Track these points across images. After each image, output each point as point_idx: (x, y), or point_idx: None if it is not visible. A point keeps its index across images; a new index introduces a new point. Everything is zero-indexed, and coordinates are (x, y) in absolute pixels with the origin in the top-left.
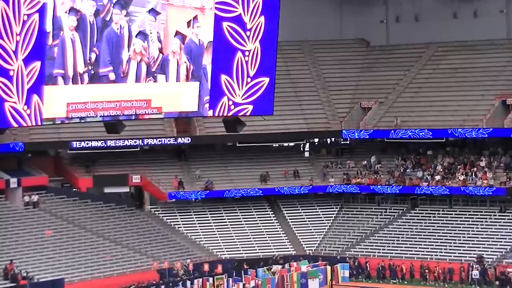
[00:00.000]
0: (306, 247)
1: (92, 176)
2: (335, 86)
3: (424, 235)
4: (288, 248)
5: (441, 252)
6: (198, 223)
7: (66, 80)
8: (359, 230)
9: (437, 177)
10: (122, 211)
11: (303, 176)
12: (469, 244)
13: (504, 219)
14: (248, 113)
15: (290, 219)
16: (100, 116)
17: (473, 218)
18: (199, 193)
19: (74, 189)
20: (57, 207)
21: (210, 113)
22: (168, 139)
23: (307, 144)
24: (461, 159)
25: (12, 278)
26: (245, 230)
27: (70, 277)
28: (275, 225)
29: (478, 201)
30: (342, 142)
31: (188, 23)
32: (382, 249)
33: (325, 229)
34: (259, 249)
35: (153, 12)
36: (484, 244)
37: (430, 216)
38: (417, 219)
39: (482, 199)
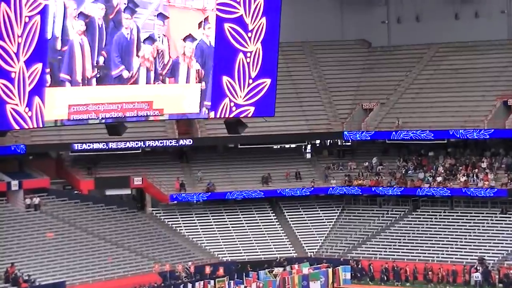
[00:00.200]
0: (308, 249)
1: (93, 178)
2: (337, 87)
3: (425, 236)
4: (290, 250)
5: (443, 254)
6: (200, 225)
7: (74, 84)
8: (360, 232)
9: (439, 179)
10: (123, 213)
11: (305, 178)
12: (470, 245)
13: (506, 220)
14: (249, 115)
15: (291, 221)
16: (102, 118)
17: (474, 219)
18: (201, 195)
19: (76, 192)
20: (58, 209)
21: (212, 114)
22: (169, 140)
23: (309, 146)
24: (463, 160)
25: (13, 281)
26: (247, 232)
27: (72, 280)
28: (277, 227)
29: (479, 203)
30: (343, 144)
31: (200, 24)
32: (384, 251)
33: (326, 231)
34: (260, 251)
35: (161, 16)
36: (486, 246)
37: (431, 218)
38: (419, 221)
39: (483, 201)
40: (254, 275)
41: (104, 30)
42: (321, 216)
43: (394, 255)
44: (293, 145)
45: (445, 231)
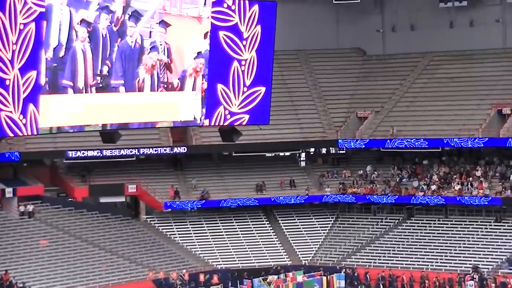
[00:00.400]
0: (302, 257)
1: (88, 185)
2: (331, 95)
3: (420, 245)
4: (284, 258)
5: (437, 262)
6: (194, 233)
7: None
8: (355, 240)
9: (433, 187)
10: (117, 220)
11: (299, 186)
12: (465, 254)
13: (500, 229)
14: (244, 123)
15: (286, 229)
16: (96, 126)
17: (468, 228)
18: (195, 202)
19: (70, 199)
20: (52, 217)
21: (206, 122)
22: (164, 148)
23: (303, 154)
24: (457, 168)
25: None
26: (241, 240)
27: (65, 287)
28: (271, 235)
29: (473, 211)
30: (338, 152)
31: (205, 34)
32: (378, 259)
33: (321, 239)
34: (255, 259)
35: (163, 24)
36: (480, 254)
37: (426, 226)
38: (413, 229)
39: (477, 209)
40: (249, 283)
41: (108, 39)
42: (315, 224)
43: (388, 263)
44: (287, 153)
45: (440, 239)
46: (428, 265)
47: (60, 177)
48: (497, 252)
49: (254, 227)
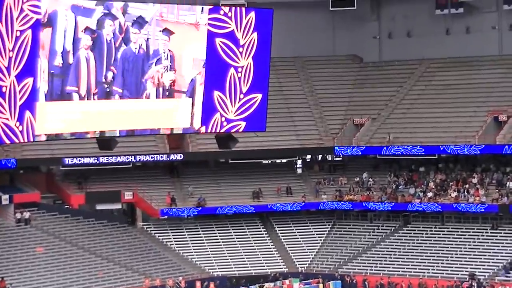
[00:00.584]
0: (299, 264)
1: (84, 192)
2: (328, 102)
3: (416, 252)
4: (281, 265)
5: (434, 269)
6: (191, 240)
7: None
8: (351, 247)
9: (429, 194)
10: (114, 228)
11: (296, 193)
12: (461, 261)
13: (496, 236)
14: (240, 130)
15: (282, 236)
16: (92, 132)
17: (465, 235)
18: (192, 209)
19: (66, 206)
20: (49, 224)
21: (203, 129)
22: (160, 155)
23: (299, 161)
24: (453, 175)
25: None
26: (237, 247)
27: None
28: (268, 242)
29: (470, 218)
30: (334, 159)
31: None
32: (375, 266)
33: (317, 246)
34: (251, 266)
35: (167, 31)
36: (476, 261)
37: (422, 233)
38: (410, 236)
39: (474, 216)
40: None
41: (113, 45)
42: (312, 231)
43: (384, 270)
44: (284, 160)
45: (436, 247)
46: (424, 272)
47: (56, 184)
48: (493, 259)
49: (250, 234)
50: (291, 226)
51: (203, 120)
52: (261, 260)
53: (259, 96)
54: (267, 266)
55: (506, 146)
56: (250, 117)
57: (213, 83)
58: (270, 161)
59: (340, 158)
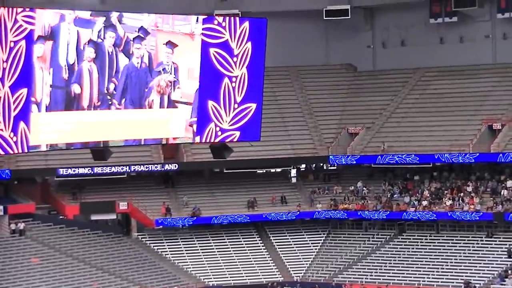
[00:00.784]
0: (294, 273)
1: (79, 203)
2: (322, 111)
3: (411, 260)
4: (276, 274)
5: (429, 278)
6: (186, 250)
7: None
8: (346, 256)
9: (424, 202)
10: (109, 238)
11: (290, 202)
12: (456, 269)
13: (491, 244)
14: (235, 139)
15: (277, 245)
16: (87, 143)
17: (460, 243)
18: (186, 219)
19: (61, 217)
20: (43, 234)
21: (197, 139)
22: (155, 165)
23: (294, 170)
24: (448, 184)
25: None
26: (233, 256)
27: None
28: (263, 252)
29: (465, 226)
30: (329, 168)
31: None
32: (370, 275)
33: (312, 255)
34: (246, 276)
35: (170, 44)
36: (472, 270)
37: (417, 242)
38: (405, 245)
39: (469, 224)
40: None
41: (115, 57)
42: (307, 240)
43: (380, 279)
44: (278, 170)
45: (431, 255)
46: (420, 280)
47: (51, 194)
48: (488, 267)
49: (245, 244)
50: (286, 236)
51: (197, 130)
52: (256, 269)
53: (253, 105)
54: (262, 275)
55: (501, 154)
56: (245, 126)
57: (208, 93)
58: (264, 171)
59: (335, 167)
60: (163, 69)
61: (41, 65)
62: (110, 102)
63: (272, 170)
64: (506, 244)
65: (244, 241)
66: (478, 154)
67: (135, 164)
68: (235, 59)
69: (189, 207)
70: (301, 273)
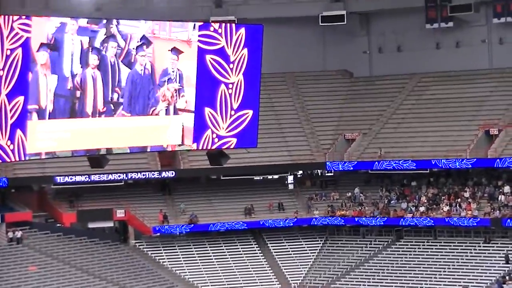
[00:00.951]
0: (292, 280)
1: (76, 211)
2: (319, 117)
3: (409, 266)
4: (274, 281)
5: (427, 284)
6: (183, 257)
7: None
8: (344, 262)
9: (422, 208)
10: (106, 246)
11: (288, 209)
12: (454, 275)
13: (489, 250)
14: (232, 146)
15: (275, 252)
16: (84, 151)
17: (457, 249)
18: (184, 227)
19: (58, 224)
20: (41, 242)
21: (194, 146)
22: (152, 172)
23: (291, 176)
24: (445, 189)
25: None
26: (230, 263)
27: None
28: (260, 258)
29: (462, 232)
30: (326, 174)
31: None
32: (368, 282)
33: (310, 262)
34: (244, 283)
35: (175, 51)
36: (469, 275)
37: (415, 248)
38: (402, 251)
39: (466, 230)
40: None
41: (117, 66)
42: (305, 247)
43: (378, 285)
44: (275, 176)
45: (429, 261)
46: (417, 286)
47: (48, 202)
48: (486, 273)
49: (243, 251)
50: (283, 242)
51: (194, 137)
52: (254, 276)
53: (250, 112)
54: (260, 282)
55: (498, 160)
56: (241, 133)
57: (204, 100)
58: (261, 177)
59: (332, 174)
60: (168, 79)
61: (45, 72)
62: (113, 110)
63: (269, 177)
64: (503, 250)
65: (241, 248)
66: (475, 159)
67: (132, 172)
68: (231, 65)
69: (186, 214)
70: (299, 279)
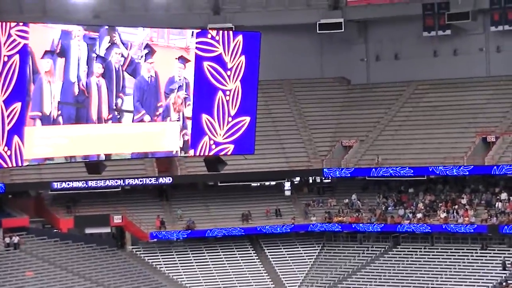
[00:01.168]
0: (288, 286)
1: (73, 216)
2: (316, 124)
3: (406, 273)
4: (271, 287)
5: None
6: (180, 263)
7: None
8: (341, 268)
9: (419, 215)
10: (103, 251)
11: (285, 215)
12: (451, 281)
13: (486, 256)
14: (229, 153)
15: (272, 258)
16: (81, 157)
17: (454, 255)
18: (181, 232)
19: (55, 230)
20: (38, 248)
21: (191, 152)
22: (149, 178)
23: (288, 183)
24: (442, 196)
25: None
26: (227, 269)
27: None
28: (257, 264)
29: (459, 239)
30: (323, 181)
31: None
32: None
33: (307, 268)
34: None
35: (182, 59)
36: (466, 282)
37: (412, 254)
38: (399, 257)
39: (463, 237)
40: None
41: (121, 73)
42: (302, 253)
43: None
44: (273, 182)
45: (426, 267)
46: None
47: (45, 208)
48: (483, 279)
49: (240, 257)
50: (280, 248)
51: (191, 143)
52: (251, 282)
53: (247, 119)
54: None
55: (495, 167)
56: (239, 140)
57: (202, 107)
58: (259, 184)
59: (329, 180)
60: (179, 87)
61: (49, 79)
62: (118, 117)
63: (267, 183)
64: (500, 257)
65: (238, 254)
66: (472, 166)
67: (129, 178)
68: (228, 72)
69: (183, 220)
70: (296, 286)
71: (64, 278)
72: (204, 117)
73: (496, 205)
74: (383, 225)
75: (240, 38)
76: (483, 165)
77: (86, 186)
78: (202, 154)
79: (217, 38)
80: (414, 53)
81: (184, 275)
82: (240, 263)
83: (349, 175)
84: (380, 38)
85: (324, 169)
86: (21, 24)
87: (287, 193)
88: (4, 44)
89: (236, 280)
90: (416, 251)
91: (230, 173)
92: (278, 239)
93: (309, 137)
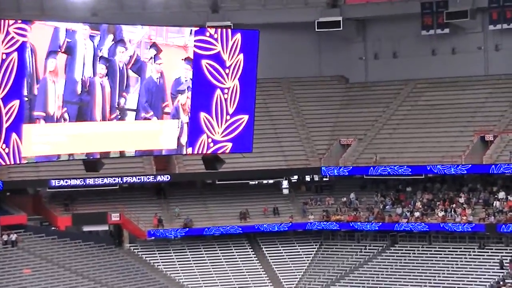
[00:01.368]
0: (286, 285)
1: (71, 214)
2: (314, 123)
3: (404, 272)
4: (268, 286)
5: None
6: (178, 261)
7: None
8: (338, 267)
9: (417, 214)
10: (101, 249)
11: (283, 213)
12: (448, 280)
13: (484, 255)
14: (227, 151)
15: (270, 256)
16: (79, 155)
17: (452, 254)
18: (179, 230)
19: (53, 228)
20: (35, 246)
21: (189, 150)
22: (147, 176)
23: (286, 181)
24: (440, 195)
25: None
26: (225, 268)
27: None
28: (255, 263)
29: (457, 238)
30: (321, 179)
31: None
32: (362, 287)
33: (305, 266)
34: (238, 287)
35: (188, 60)
36: (464, 281)
37: (409, 253)
38: (397, 256)
39: (461, 236)
40: None
41: (125, 72)
42: (299, 252)
43: None
44: (271, 181)
45: (423, 266)
46: None
47: (43, 206)
48: (480, 278)
49: (238, 255)
50: (278, 247)
51: (189, 141)
52: (248, 280)
53: (245, 117)
54: (254, 286)
55: (493, 166)
56: (237, 138)
57: (200, 105)
58: (257, 182)
59: (327, 179)
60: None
61: (53, 79)
62: (120, 116)
63: (265, 182)
64: (498, 256)
65: (236, 252)
66: (470, 165)
67: (127, 176)
68: (227, 70)
69: (181, 219)
70: (293, 284)
71: (61, 276)
72: (202, 115)
73: (494, 204)
74: (381, 223)
75: (238, 36)
76: (481, 164)
77: (84, 184)
78: (200, 152)
79: (215, 36)
80: (413, 52)
81: (182, 273)
82: (237, 261)
83: (347, 173)
84: (379, 37)
85: (322, 168)
86: (19, 22)
87: (285, 191)
88: (2, 41)
89: (234, 278)
90: (414, 250)
91: (228, 171)
92: (276, 237)
93: (307, 136)
